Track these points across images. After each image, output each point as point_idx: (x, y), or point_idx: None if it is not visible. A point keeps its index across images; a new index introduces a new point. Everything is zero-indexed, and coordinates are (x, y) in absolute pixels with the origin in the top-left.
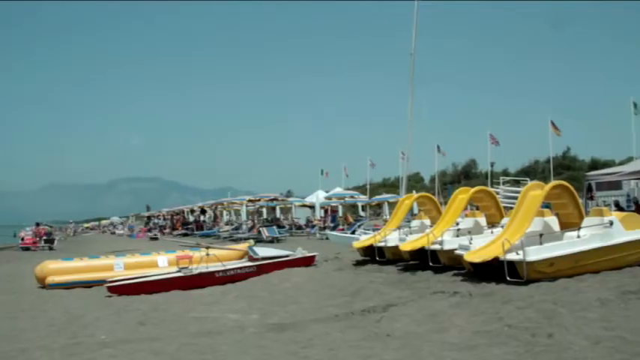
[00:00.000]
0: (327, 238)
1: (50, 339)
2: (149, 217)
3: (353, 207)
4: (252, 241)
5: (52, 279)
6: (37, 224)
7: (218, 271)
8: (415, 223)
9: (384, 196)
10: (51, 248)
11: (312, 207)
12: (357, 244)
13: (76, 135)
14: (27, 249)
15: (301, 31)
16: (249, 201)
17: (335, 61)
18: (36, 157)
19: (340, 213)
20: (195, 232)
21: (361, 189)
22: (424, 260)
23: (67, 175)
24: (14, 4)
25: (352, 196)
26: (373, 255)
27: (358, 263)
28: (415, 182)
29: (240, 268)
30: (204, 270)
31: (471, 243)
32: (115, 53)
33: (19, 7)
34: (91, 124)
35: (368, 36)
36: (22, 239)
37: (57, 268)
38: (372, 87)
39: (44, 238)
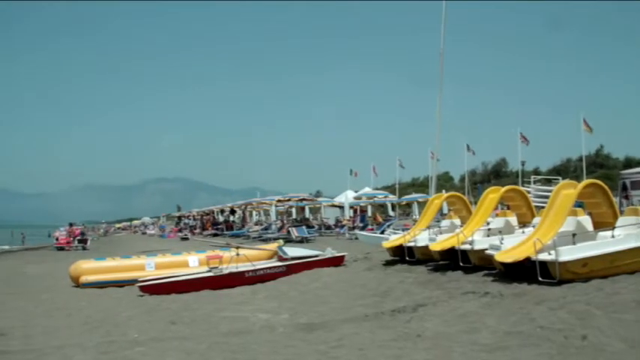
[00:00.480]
0: (356, 238)
1: (85, 337)
2: (180, 218)
3: (382, 207)
4: (281, 241)
5: (85, 278)
6: (71, 224)
7: (248, 271)
8: (445, 222)
9: (414, 195)
10: (84, 248)
11: (341, 207)
12: (386, 244)
13: (107, 137)
14: (61, 249)
15: (329, 29)
16: (279, 201)
17: (366, 60)
18: (69, 159)
19: (369, 213)
20: (225, 232)
21: (390, 189)
22: (454, 260)
23: (98, 177)
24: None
25: (382, 196)
26: (403, 255)
27: (388, 263)
28: (444, 182)
29: (270, 268)
30: (234, 270)
31: (501, 243)
32: (145, 54)
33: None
34: (122, 125)
35: (397, 34)
36: (57, 239)
37: (90, 267)
38: (402, 86)
39: (78, 238)
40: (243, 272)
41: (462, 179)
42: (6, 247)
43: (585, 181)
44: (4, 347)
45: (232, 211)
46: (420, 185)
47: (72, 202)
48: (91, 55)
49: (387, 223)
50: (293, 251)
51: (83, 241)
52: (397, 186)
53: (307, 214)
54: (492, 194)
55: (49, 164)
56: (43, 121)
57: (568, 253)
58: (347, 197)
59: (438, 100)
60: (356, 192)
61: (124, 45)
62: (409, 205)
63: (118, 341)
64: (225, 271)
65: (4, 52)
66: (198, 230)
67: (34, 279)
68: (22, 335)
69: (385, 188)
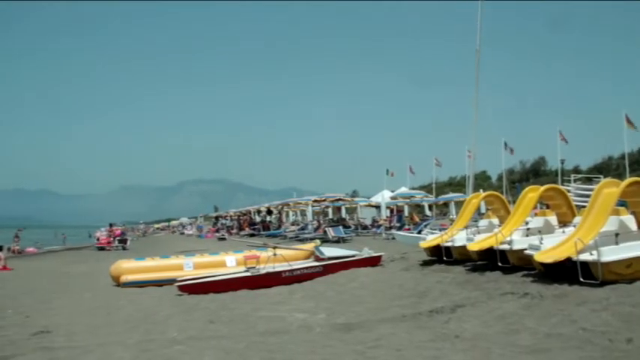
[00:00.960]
0: (393, 238)
1: (125, 335)
2: (217, 218)
3: (419, 206)
4: (318, 241)
5: (125, 278)
6: (111, 225)
7: (285, 271)
8: (483, 222)
9: (451, 195)
10: (124, 248)
11: (377, 207)
12: (423, 244)
13: (144, 139)
14: (102, 249)
15: (365, 29)
16: (315, 201)
17: (401, 61)
18: (108, 161)
19: (406, 213)
20: (262, 233)
21: (427, 188)
22: (492, 260)
23: (137, 178)
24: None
25: (418, 196)
26: (440, 255)
27: (425, 263)
28: (482, 181)
29: (307, 268)
30: (271, 270)
31: (541, 243)
32: (179, 55)
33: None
34: (159, 127)
35: (432, 34)
36: (98, 239)
37: (130, 267)
38: (438, 84)
39: (118, 238)
40: (280, 272)
41: (500, 178)
42: (55, 247)
43: (629, 180)
44: (50, 343)
45: (269, 212)
46: (457, 184)
47: (111, 203)
48: (127, 58)
49: (424, 223)
50: (330, 251)
51: (123, 242)
52: (434, 185)
53: (344, 214)
54: (531, 193)
55: (90, 166)
56: (84, 124)
57: (611, 254)
58: (383, 197)
59: (474, 97)
60: (392, 192)
61: (159, 47)
62: (446, 204)
63: (157, 339)
64: (263, 271)
65: (49, 54)
66: (235, 230)
67: (77, 278)
68: (66, 332)
69: (422, 188)
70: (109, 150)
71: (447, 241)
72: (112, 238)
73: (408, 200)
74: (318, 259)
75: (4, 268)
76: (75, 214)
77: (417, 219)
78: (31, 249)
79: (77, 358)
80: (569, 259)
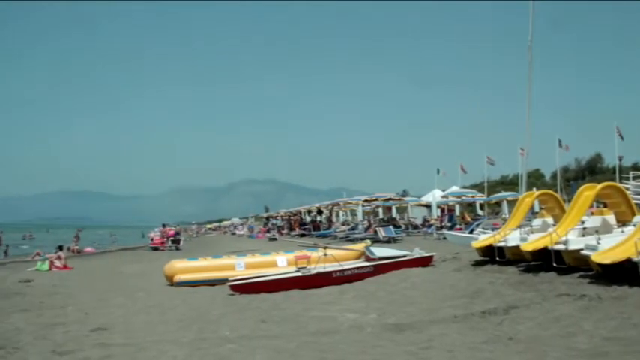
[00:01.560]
0: (444, 238)
1: (179, 333)
2: (267, 218)
3: (470, 206)
4: (368, 241)
5: (179, 277)
6: (164, 226)
7: (335, 271)
8: (537, 221)
9: (503, 194)
10: (177, 248)
11: (428, 206)
12: (475, 244)
13: (195, 140)
14: (156, 249)
15: (418, 26)
16: (365, 201)
17: (453, 57)
18: (160, 162)
19: (457, 212)
20: (312, 233)
21: (479, 187)
22: (547, 261)
23: (188, 179)
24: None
25: (470, 195)
26: (492, 255)
27: (477, 263)
28: (535, 179)
29: (358, 268)
30: (322, 270)
31: (598, 243)
32: (228, 55)
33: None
34: (210, 128)
35: (483, 26)
36: (152, 240)
37: (183, 267)
38: (489, 82)
39: (171, 238)
40: (330, 272)
41: (554, 176)
42: (112, 247)
43: None
44: (107, 340)
45: (319, 212)
46: (510, 183)
47: (164, 204)
48: (180, 60)
49: (476, 223)
50: (380, 251)
51: (176, 242)
52: (486, 184)
53: (394, 213)
54: (587, 192)
55: (143, 169)
56: (138, 126)
57: None
58: (434, 196)
59: (527, 93)
60: (443, 191)
61: (205, 50)
62: (498, 203)
63: (210, 338)
64: (313, 271)
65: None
66: (285, 231)
67: (132, 277)
68: (123, 330)
69: (473, 187)
70: (161, 152)
71: (499, 241)
72: (165, 239)
73: (459, 199)
74: (368, 259)
75: (65, 267)
76: (130, 215)
77: (468, 218)
78: (89, 249)
79: (133, 355)
80: (628, 260)
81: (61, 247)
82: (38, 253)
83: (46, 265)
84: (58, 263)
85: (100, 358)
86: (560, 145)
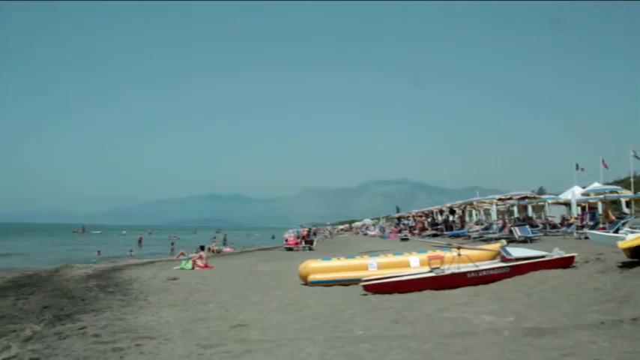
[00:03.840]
0: (586, 238)
1: (314, 331)
2: (399, 219)
3: (614, 203)
4: (504, 241)
5: (313, 277)
6: (302, 227)
7: (470, 272)
8: None
9: None
10: (310, 249)
11: (567, 204)
12: (622, 244)
13: (324, 141)
14: (290, 249)
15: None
16: (500, 200)
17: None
18: (291, 165)
19: (600, 210)
20: (445, 233)
21: (624, 183)
22: None
23: (319, 181)
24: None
25: (613, 192)
26: None
27: (624, 265)
28: None
29: (493, 268)
30: (456, 270)
31: None
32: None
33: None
34: (342, 127)
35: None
36: (286, 240)
37: (317, 267)
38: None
39: (305, 239)
40: (465, 273)
41: None
42: (248, 248)
43: None
44: (246, 336)
45: (452, 211)
46: None
47: (295, 205)
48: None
49: (622, 221)
50: (517, 251)
51: (310, 242)
52: (632, 180)
53: (530, 212)
54: None
55: (275, 171)
56: (269, 130)
57: None
58: (574, 194)
59: None
60: (583, 188)
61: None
62: None
63: (344, 337)
64: (447, 272)
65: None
66: (417, 231)
67: (268, 277)
68: (260, 327)
69: (617, 183)
70: (291, 154)
71: None
72: (299, 239)
73: (601, 196)
74: (504, 259)
75: (206, 266)
76: (263, 216)
77: (612, 217)
78: (227, 249)
79: (271, 351)
80: None
81: (202, 248)
82: (182, 253)
83: (189, 265)
84: (200, 262)
85: (241, 352)
86: None
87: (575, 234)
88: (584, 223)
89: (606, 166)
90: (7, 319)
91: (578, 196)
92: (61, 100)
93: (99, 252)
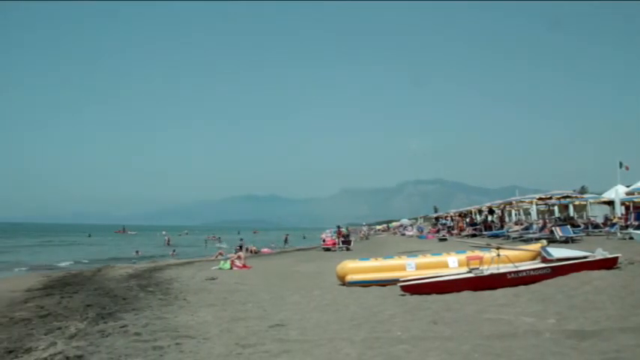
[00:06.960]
0: (631, 238)
1: (352, 332)
2: (437, 219)
3: None
4: (544, 242)
5: (351, 277)
6: (339, 227)
7: (510, 273)
8: None
9: None
10: (348, 249)
11: (610, 203)
12: None
13: (364, 140)
14: (327, 249)
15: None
16: (540, 199)
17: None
18: (329, 166)
19: None
20: (484, 233)
21: None
22: None
23: (357, 181)
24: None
25: None
26: None
27: None
28: None
29: (534, 269)
30: (495, 271)
31: None
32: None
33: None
34: (379, 128)
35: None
36: (324, 241)
37: (355, 267)
38: None
39: (342, 239)
40: (504, 273)
41: None
42: (287, 248)
43: None
44: (285, 336)
45: (491, 211)
46: None
47: (333, 206)
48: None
49: None
50: (558, 252)
51: (347, 243)
52: None
53: (571, 212)
54: None
55: (312, 172)
56: (303, 130)
57: None
58: (617, 192)
59: None
60: (627, 187)
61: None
62: None
63: (382, 338)
64: (486, 272)
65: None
66: (455, 231)
67: (306, 277)
68: (298, 327)
69: None
70: (328, 155)
71: None
72: (337, 239)
73: None
74: (545, 260)
75: (244, 266)
76: (300, 217)
77: None
78: (265, 249)
79: (309, 351)
80: None
81: (240, 248)
82: (220, 253)
83: (227, 264)
84: (238, 263)
85: (279, 352)
86: None
87: (618, 234)
88: (629, 222)
89: None
90: (52, 316)
91: (622, 195)
92: (123, 102)
93: (137, 252)
